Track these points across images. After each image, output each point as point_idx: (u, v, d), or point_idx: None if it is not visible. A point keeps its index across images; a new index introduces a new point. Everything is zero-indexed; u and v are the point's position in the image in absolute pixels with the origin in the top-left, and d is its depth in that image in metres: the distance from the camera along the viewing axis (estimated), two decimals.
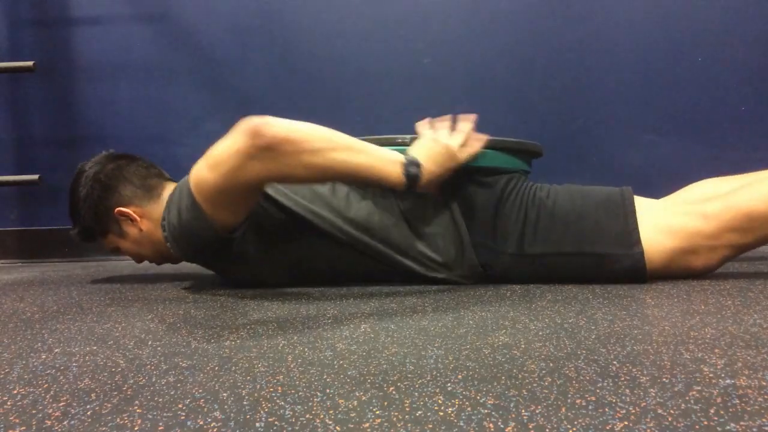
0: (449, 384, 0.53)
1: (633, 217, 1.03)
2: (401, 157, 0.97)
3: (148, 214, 1.17)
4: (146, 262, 1.26)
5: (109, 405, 0.51)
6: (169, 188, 1.20)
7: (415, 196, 1.09)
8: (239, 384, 0.56)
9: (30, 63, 1.63)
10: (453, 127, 1.07)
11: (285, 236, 1.10)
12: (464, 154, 1.04)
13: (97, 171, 1.18)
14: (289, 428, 0.45)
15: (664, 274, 1.05)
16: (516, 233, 1.06)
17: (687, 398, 0.48)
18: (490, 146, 1.09)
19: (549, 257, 1.05)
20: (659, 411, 0.46)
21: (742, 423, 0.43)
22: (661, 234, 1.02)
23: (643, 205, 1.06)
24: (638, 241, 1.01)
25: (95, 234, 1.21)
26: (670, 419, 0.44)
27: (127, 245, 1.20)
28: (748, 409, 0.45)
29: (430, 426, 0.44)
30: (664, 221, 1.03)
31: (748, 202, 1.00)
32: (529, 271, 1.07)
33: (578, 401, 0.48)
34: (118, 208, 1.16)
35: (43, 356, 0.68)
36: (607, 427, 0.43)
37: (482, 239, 1.07)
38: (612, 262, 1.03)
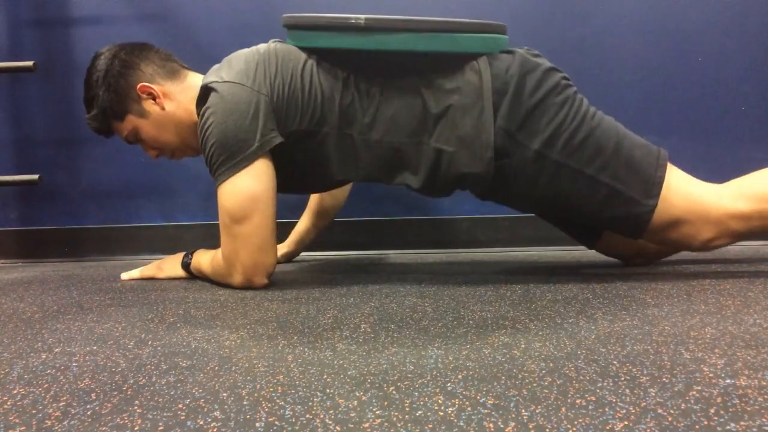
0: (449, 384, 0.53)
1: (662, 171, 1.03)
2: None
3: (171, 94, 1.17)
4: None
5: (109, 405, 0.51)
6: (193, 76, 1.21)
7: (442, 62, 1.09)
8: (239, 384, 0.56)
9: (30, 63, 1.63)
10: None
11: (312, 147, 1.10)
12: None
13: (116, 51, 1.17)
14: (289, 428, 0.45)
15: (660, 240, 1.07)
16: (548, 132, 1.02)
17: (687, 398, 0.48)
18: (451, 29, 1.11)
19: (567, 170, 1.02)
20: (659, 411, 0.46)
21: (742, 423, 0.43)
22: (675, 195, 1.02)
23: (673, 169, 1.06)
24: (657, 195, 1.02)
25: (115, 115, 1.17)
26: (670, 419, 0.44)
27: (148, 128, 1.17)
28: (748, 409, 0.45)
29: (430, 426, 0.44)
30: (684, 186, 1.04)
31: (760, 193, 1.01)
32: (538, 180, 1.04)
33: (578, 401, 0.48)
34: (141, 84, 1.15)
35: (43, 356, 0.68)
36: (607, 427, 0.43)
37: (509, 124, 1.03)
38: (622, 203, 1.03)
